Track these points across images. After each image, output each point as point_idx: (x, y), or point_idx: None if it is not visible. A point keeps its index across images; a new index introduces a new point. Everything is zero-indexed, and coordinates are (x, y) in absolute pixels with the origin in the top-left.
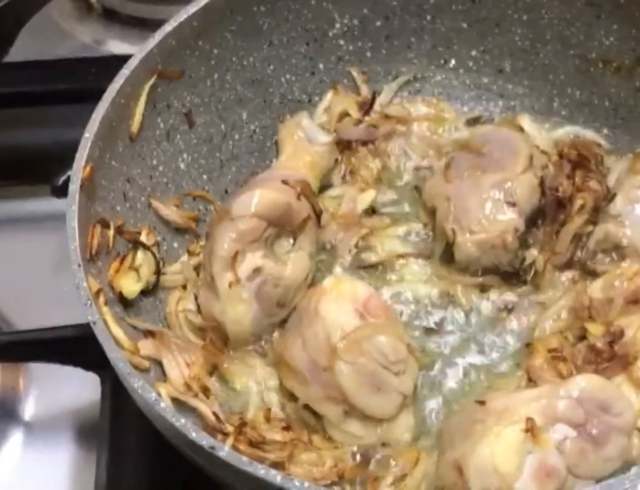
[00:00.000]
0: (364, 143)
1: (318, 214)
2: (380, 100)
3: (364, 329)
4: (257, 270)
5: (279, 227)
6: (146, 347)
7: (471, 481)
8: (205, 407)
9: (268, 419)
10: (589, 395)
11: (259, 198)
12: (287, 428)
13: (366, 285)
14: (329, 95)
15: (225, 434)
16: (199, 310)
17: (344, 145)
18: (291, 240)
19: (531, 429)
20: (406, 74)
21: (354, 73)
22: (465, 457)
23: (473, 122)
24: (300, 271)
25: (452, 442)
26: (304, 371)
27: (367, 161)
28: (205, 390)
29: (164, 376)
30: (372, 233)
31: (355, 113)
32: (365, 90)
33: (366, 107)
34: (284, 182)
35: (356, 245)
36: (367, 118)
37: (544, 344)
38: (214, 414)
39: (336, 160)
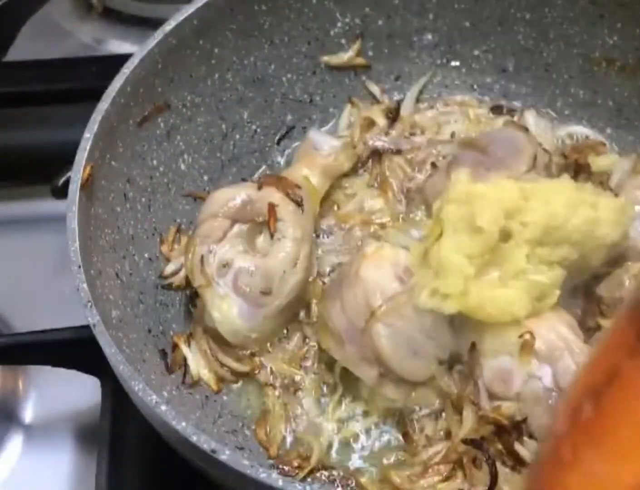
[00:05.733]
0: (397, 152)
1: (296, 202)
2: (404, 107)
3: (405, 294)
4: (226, 265)
5: (248, 220)
6: None
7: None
8: None
9: None
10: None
11: (212, 199)
12: None
13: (407, 252)
14: (347, 109)
15: None
16: None
17: (374, 156)
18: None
19: (525, 343)
20: (421, 75)
21: (372, 87)
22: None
23: (497, 110)
24: (283, 257)
25: None
26: (341, 332)
27: (399, 171)
28: None
29: None
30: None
31: (381, 122)
32: (386, 101)
33: (392, 115)
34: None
35: None
36: (396, 128)
37: None
38: None
39: (364, 168)
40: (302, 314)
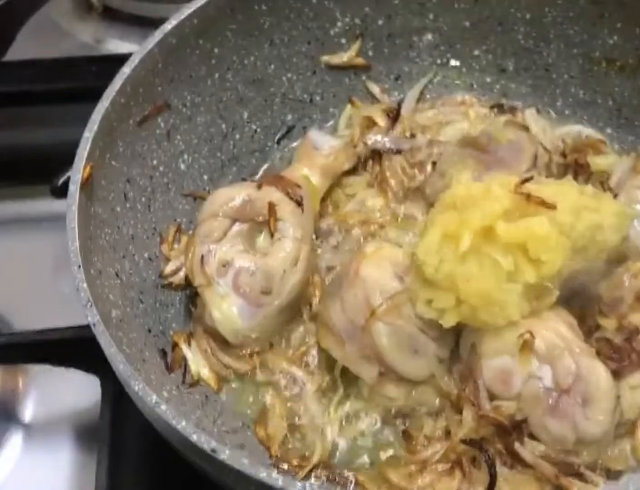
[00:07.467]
0: (397, 152)
1: (296, 201)
2: (404, 107)
3: (405, 293)
4: (226, 264)
5: (248, 220)
6: None
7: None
8: None
9: None
10: (587, 383)
11: (212, 198)
12: None
13: (406, 252)
14: (347, 109)
15: None
16: None
17: (374, 156)
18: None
19: (525, 343)
20: (421, 75)
21: (372, 87)
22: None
23: (498, 109)
24: (283, 256)
25: None
26: (341, 331)
27: (399, 171)
28: None
29: None
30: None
31: (382, 121)
32: (387, 100)
33: (392, 115)
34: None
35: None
36: (397, 128)
37: None
38: None
39: (365, 167)
40: (302, 313)
